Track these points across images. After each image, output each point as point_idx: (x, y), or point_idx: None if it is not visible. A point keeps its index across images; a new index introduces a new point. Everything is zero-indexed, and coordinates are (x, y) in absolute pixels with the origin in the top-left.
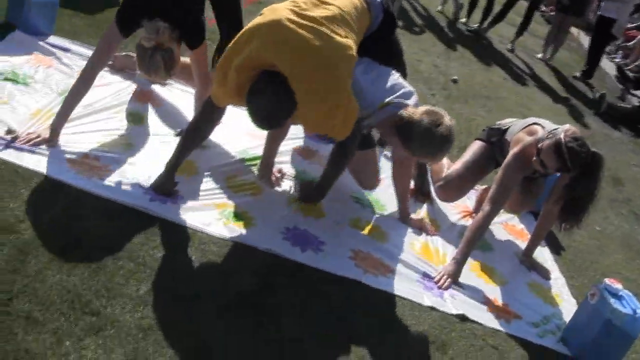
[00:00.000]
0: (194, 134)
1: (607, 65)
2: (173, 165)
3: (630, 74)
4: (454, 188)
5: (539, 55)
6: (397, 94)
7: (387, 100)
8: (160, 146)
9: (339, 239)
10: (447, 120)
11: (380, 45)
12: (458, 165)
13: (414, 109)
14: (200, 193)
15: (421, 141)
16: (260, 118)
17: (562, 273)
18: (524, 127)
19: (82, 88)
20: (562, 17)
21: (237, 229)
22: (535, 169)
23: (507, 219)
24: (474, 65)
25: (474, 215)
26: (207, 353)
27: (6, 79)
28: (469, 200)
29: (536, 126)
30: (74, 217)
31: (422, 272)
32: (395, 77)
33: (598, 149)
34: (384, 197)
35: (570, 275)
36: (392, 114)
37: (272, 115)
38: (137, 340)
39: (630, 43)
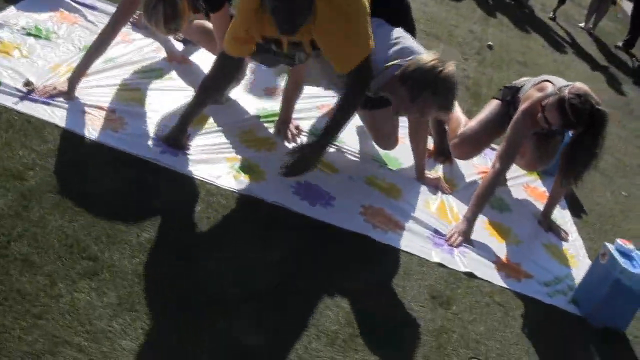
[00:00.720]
0: (209, 87)
1: None
2: (186, 118)
3: None
4: (468, 145)
5: (582, 25)
6: (407, 58)
7: (393, 62)
8: (181, 101)
9: (350, 194)
10: (451, 66)
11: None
12: (473, 122)
13: (418, 58)
14: (213, 147)
15: (423, 86)
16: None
17: (581, 235)
18: (535, 84)
19: (102, 43)
20: None
21: (246, 182)
22: (542, 125)
23: (529, 181)
24: (512, 32)
25: None
26: (201, 303)
27: (29, 34)
28: (490, 160)
29: (547, 83)
30: (83, 165)
31: (434, 229)
32: (405, 39)
33: (605, 107)
34: (402, 155)
35: (589, 238)
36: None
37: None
38: (132, 284)
39: None
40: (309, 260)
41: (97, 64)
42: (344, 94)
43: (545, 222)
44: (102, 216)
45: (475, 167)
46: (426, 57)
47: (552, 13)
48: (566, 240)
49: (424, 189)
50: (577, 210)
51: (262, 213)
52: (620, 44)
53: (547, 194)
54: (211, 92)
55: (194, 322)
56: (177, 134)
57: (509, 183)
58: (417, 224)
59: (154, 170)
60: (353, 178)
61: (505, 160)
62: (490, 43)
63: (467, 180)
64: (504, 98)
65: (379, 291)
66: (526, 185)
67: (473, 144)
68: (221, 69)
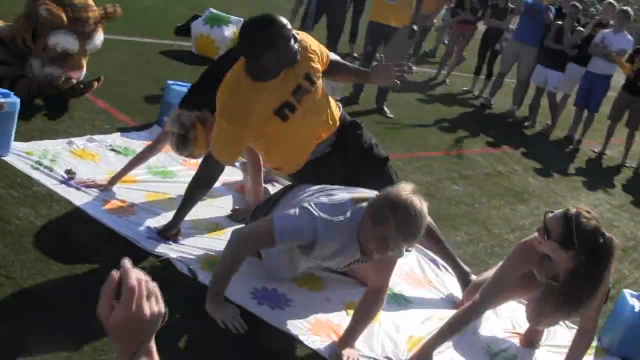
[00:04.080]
0: (197, 187)
1: None
2: (177, 214)
3: None
4: None
5: None
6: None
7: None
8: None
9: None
10: (417, 200)
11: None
12: None
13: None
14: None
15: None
16: None
17: None
18: None
19: (147, 153)
20: None
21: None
22: (535, 247)
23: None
24: None
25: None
26: None
27: (112, 149)
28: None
29: None
30: (66, 229)
31: (384, 355)
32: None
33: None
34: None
35: None
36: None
37: None
38: None
39: None
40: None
41: (144, 172)
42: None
43: None
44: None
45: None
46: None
47: None
48: None
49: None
50: None
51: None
52: None
53: None
54: (200, 190)
55: None
56: (168, 227)
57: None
58: (366, 344)
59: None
60: (330, 298)
61: (486, 295)
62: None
63: None
64: None
65: None
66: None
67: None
68: (208, 169)
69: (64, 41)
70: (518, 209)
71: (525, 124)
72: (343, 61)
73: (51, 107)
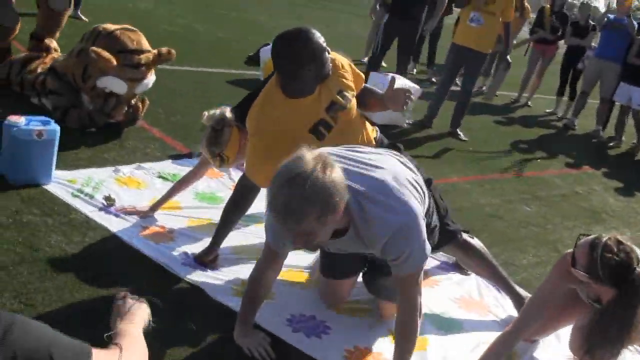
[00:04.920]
0: (232, 211)
1: None
2: (215, 239)
3: None
4: None
5: None
6: None
7: None
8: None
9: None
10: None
11: None
12: None
13: None
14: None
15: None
16: None
17: None
18: None
19: (190, 178)
20: None
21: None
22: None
23: None
24: None
25: None
26: None
27: (160, 176)
28: None
29: None
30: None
31: None
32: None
33: None
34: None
35: None
36: None
37: None
38: None
39: None
40: None
41: (190, 198)
42: None
43: None
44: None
45: None
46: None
47: None
48: None
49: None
50: None
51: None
52: None
53: None
54: (236, 213)
55: None
56: (204, 252)
57: None
58: None
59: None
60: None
61: (525, 314)
62: None
63: None
64: None
65: None
66: None
67: None
68: (243, 190)
69: (112, 84)
70: (594, 229)
71: (611, 144)
72: (372, 87)
73: (103, 136)
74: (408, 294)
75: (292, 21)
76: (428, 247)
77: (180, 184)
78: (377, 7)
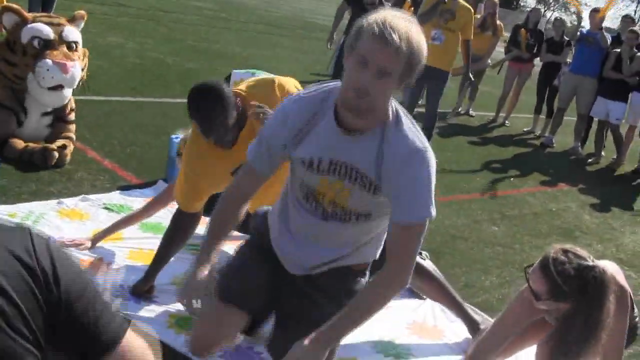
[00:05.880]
0: (168, 244)
1: None
2: (149, 273)
3: None
4: None
5: None
6: None
7: None
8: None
9: None
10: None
11: None
12: None
13: None
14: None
15: None
16: None
17: None
18: None
19: (139, 215)
20: None
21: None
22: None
23: None
24: None
25: None
26: None
27: (105, 207)
28: None
29: None
30: None
31: None
32: None
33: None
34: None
35: None
36: None
37: None
38: None
39: None
40: None
41: (135, 229)
42: None
43: None
44: None
45: None
46: None
47: None
48: None
49: None
50: None
51: None
52: None
53: None
54: (174, 243)
55: None
56: (140, 284)
57: None
58: None
59: None
60: None
61: (482, 349)
62: None
63: None
64: None
65: None
66: None
67: None
68: (178, 224)
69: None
70: None
71: (589, 160)
72: None
73: (48, 169)
74: (402, 257)
75: (266, 51)
76: (434, 208)
77: (127, 220)
78: (334, 35)
